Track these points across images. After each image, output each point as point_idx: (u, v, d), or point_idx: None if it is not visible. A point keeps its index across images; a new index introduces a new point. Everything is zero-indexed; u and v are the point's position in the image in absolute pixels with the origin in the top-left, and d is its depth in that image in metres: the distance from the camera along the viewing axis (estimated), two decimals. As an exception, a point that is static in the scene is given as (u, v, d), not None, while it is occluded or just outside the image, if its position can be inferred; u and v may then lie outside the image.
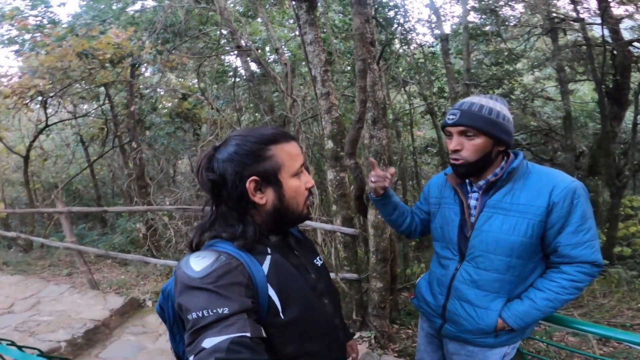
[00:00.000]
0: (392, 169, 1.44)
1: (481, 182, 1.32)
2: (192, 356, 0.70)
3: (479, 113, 1.22)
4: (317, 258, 1.08)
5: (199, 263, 0.80)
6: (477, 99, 1.26)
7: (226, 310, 0.73)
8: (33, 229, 7.47)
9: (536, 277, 1.30)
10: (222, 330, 0.71)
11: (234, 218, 0.90)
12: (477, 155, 1.23)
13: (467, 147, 1.23)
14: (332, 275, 3.20)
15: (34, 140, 7.49)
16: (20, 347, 1.48)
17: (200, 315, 0.73)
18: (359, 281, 3.19)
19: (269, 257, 0.89)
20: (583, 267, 1.20)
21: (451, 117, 1.25)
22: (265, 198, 0.90)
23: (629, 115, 7.38)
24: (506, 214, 1.24)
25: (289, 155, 0.91)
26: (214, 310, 0.73)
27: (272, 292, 0.85)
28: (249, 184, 0.87)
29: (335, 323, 1.03)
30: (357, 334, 3.12)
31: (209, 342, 0.69)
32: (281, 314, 0.85)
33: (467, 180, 1.37)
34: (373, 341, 3.03)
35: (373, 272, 3.01)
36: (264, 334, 0.78)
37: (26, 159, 7.33)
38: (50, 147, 10.01)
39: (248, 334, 0.72)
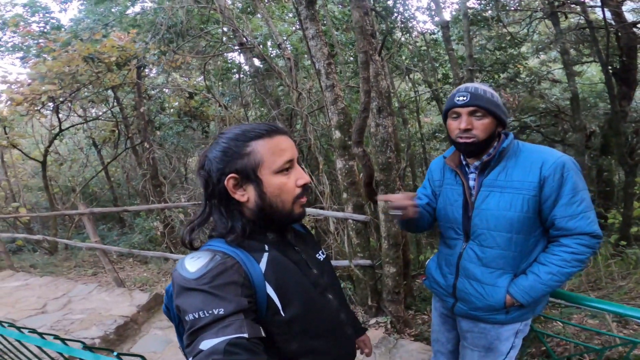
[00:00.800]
0: (412, 194, 1.38)
1: (477, 163, 1.38)
2: (191, 358, 0.70)
3: (486, 96, 1.30)
4: (320, 252, 1.06)
5: (194, 264, 0.79)
6: (477, 85, 1.34)
7: (222, 311, 0.73)
8: (56, 231, 7.68)
9: (539, 252, 1.35)
10: (219, 331, 0.71)
11: (223, 214, 0.90)
12: (486, 133, 1.30)
13: (477, 127, 1.30)
14: (346, 262, 3.29)
15: (49, 146, 7.66)
16: (64, 341, 1.59)
17: (196, 316, 0.73)
18: (372, 267, 3.27)
19: (266, 255, 0.88)
20: (582, 239, 1.25)
21: (461, 98, 1.31)
22: (247, 195, 0.88)
23: (639, 94, 7.28)
24: (502, 191, 1.31)
25: (271, 151, 0.87)
26: (210, 311, 0.72)
27: (270, 290, 0.84)
28: (227, 181, 0.86)
29: (341, 318, 1.01)
30: (373, 320, 3.20)
31: (206, 344, 0.70)
32: (281, 312, 0.84)
33: (464, 162, 1.43)
34: (389, 326, 3.09)
35: (386, 257, 3.09)
36: (263, 334, 0.78)
37: (44, 164, 7.50)
38: (64, 152, 10.25)
39: (245, 335, 0.72)
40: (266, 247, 0.90)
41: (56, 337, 1.59)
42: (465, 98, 1.30)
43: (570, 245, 1.27)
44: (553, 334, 2.28)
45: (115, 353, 1.41)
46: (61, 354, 1.67)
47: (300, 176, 0.91)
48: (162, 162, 8.98)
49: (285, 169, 0.88)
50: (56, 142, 8.11)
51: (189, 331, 0.73)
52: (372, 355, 2.61)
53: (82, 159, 9.98)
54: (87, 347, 1.51)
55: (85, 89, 6.70)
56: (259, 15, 7.51)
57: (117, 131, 8.42)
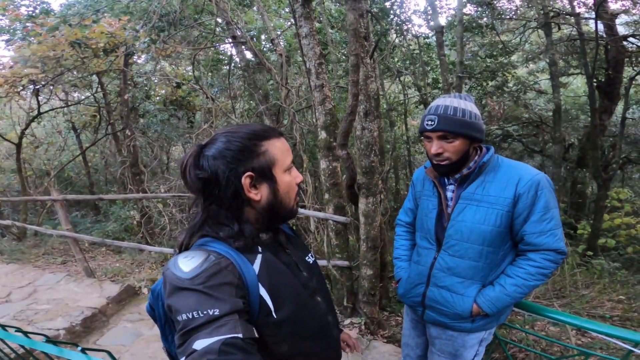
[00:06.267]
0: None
1: (457, 175, 1.40)
2: (184, 358, 0.70)
3: (455, 117, 1.29)
4: (309, 255, 1.08)
5: (187, 263, 0.79)
6: (449, 101, 1.32)
7: (217, 312, 0.72)
8: (26, 216, 7.41)
9: (507, 264, 1.39)
10: (213, 331, 0.70)
11: (226, 217, 0.88)
12: (458, 155, 1.32)
13: (449, 149, 1.31)
14: (324, 262, 3.29)
15: (26, 128, 7.40)
16: (26, 334, 1.53)
17: (190, 316, 0.72)
18: (350, 268, 3.28)
19: (259, 256, 0.88)
20: (548, 255, 1.30)
21: (429, 122, 1.31)
22: (260, 194, 0.89)
23: (619, 109, 7.48)
24: (478, 205, 1.33)
25: (280, 150, 0.90)
26: (205, 312, 0.72)
27: (263, 292, 0.84)
28: (245, 180, 0.85)
29: (329, 320, 1.03)
30: (348, 320, 3.21)
31: (200, 344, 0.69)
32: (273, 313, 0.85)
33: None
34: (363, 327, 3.12)
35: (363, 259, 3.10)
36: (256, 335, 0.78)
37: (18, 146, 7.24)
38: (41, 135, 9.91)
39: (240, 335, 0.71)
40: (259, 249, 0.90)
41: (18, 329, 1.53)
42: (433, 122, 1.31)
43: (537, 260, 1.31)
44: (514, 342, 2.33)
45: (79, 348, 1.37)
46: (23, 347, 1.61)
47: (297, 175, 0.96)
48: (144, 150, 8.79)
49: (290, 168, 0.94)
50: (33, 124, 7.83)
51: (182, 331, 0.72)
52: (344, 356, 2.61)
53: (60, 142, 9.67)
54: (50, 341, 1.45)
55: (69, 74, 6.50)
56: (254, 8, 7.41)
57: (98, 116, 8.19)
